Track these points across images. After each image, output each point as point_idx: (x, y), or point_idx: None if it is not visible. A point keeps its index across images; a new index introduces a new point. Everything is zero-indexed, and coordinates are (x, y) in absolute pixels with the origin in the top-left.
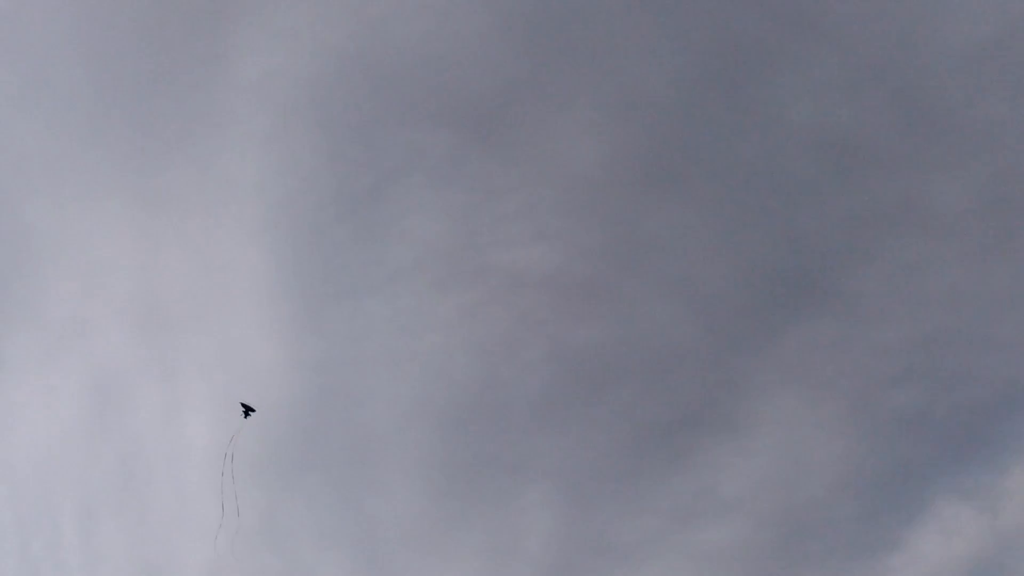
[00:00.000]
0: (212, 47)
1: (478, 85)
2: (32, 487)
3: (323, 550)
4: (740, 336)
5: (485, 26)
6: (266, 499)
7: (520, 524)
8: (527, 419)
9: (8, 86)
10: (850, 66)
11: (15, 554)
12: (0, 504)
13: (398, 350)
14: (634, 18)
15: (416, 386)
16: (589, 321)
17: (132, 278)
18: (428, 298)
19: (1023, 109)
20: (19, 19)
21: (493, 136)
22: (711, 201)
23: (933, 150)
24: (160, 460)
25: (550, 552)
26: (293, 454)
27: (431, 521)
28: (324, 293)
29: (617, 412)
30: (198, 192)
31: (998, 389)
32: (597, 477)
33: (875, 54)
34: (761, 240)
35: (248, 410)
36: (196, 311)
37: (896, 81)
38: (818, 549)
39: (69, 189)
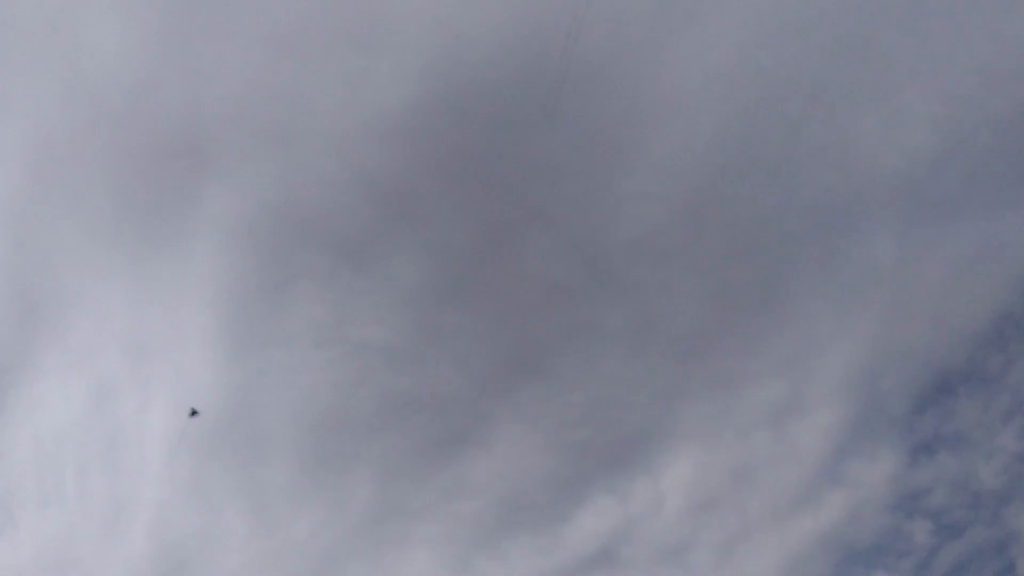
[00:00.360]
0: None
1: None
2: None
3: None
4: (489, 389)
5: None
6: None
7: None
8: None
9: None
10: (568, 235)
11: None
12: None
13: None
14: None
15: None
16: (402, 376)
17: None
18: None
19: (660, 276)
20: None
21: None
22: (486, 312)
23: (603, 294)
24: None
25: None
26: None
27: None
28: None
29: (408, 432)
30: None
31: (636, 433)
32: (398, 471)
33: (578, 232)
34: (508, 338)
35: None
36: (164, 352)
37: (593, 254)
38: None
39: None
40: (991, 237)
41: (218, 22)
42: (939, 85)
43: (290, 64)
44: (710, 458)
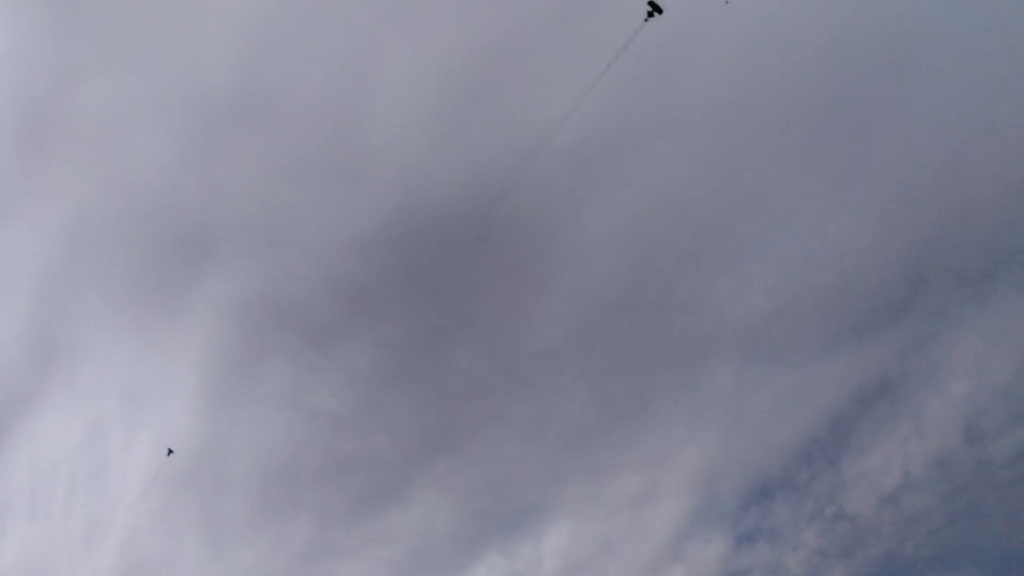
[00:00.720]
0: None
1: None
2: None
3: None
4: (413, 458)
5: None
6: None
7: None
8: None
9: None
10: (490, 342)
11: None
12: None
13: None
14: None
15: None
16: (344, 441)
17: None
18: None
19: (558, 382)
20: None
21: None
22: (417, 396)
23: (512, 391)
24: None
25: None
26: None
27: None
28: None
29: (344, 487)
30: (173, 343)
31: (526, 505)
32: (332, 518)
33: (498, 341)
34: (432, 418)
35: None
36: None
37: (508, 359)
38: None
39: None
40: (805, 380)
41: (236, 146)
42: (775, 263)
43: (288, 186)
44: (582, 530)
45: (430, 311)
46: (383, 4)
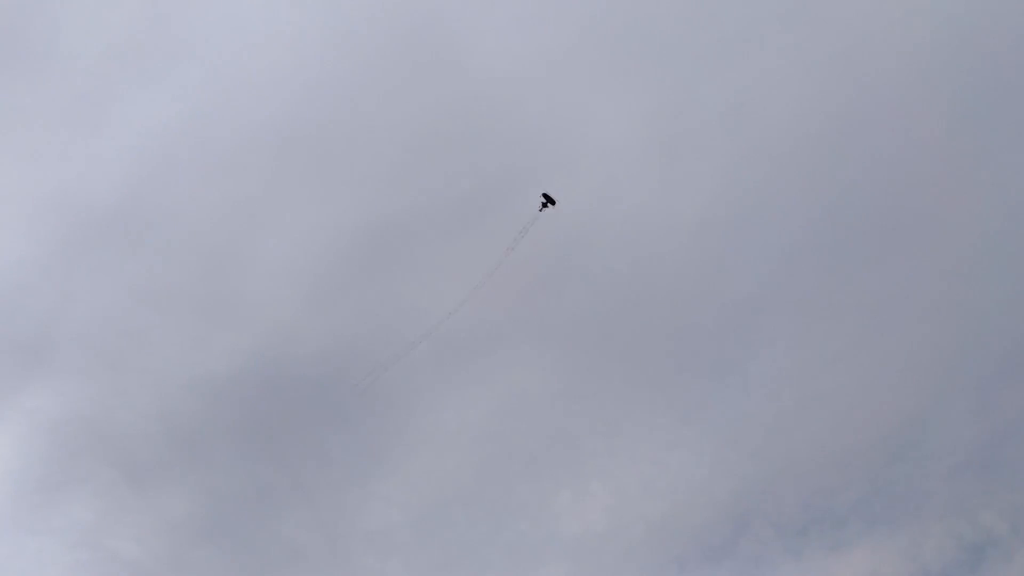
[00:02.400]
0: None
1: None
2: None
3: None
4: None
5: None
6: None
7: None
8: None
9: None
10: (321, 513)
11: None
12: None
13: None
14: None
15: None
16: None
17: None
18: None
19: (386, 566)
20: None
21: None
22: (233, 557)
23: (336, 569)
24: None
25: None
26: None
27: None
28: None
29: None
30: None
31: None
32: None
33: (330, 513)
34: None
35: None
36: None
37: (338, 533)
38: None
39: None
40: None
41: (101, 262)
42: (615, 484)
43: (145, 313)
44: None
45: (264, 468)
46: (289, 156)
